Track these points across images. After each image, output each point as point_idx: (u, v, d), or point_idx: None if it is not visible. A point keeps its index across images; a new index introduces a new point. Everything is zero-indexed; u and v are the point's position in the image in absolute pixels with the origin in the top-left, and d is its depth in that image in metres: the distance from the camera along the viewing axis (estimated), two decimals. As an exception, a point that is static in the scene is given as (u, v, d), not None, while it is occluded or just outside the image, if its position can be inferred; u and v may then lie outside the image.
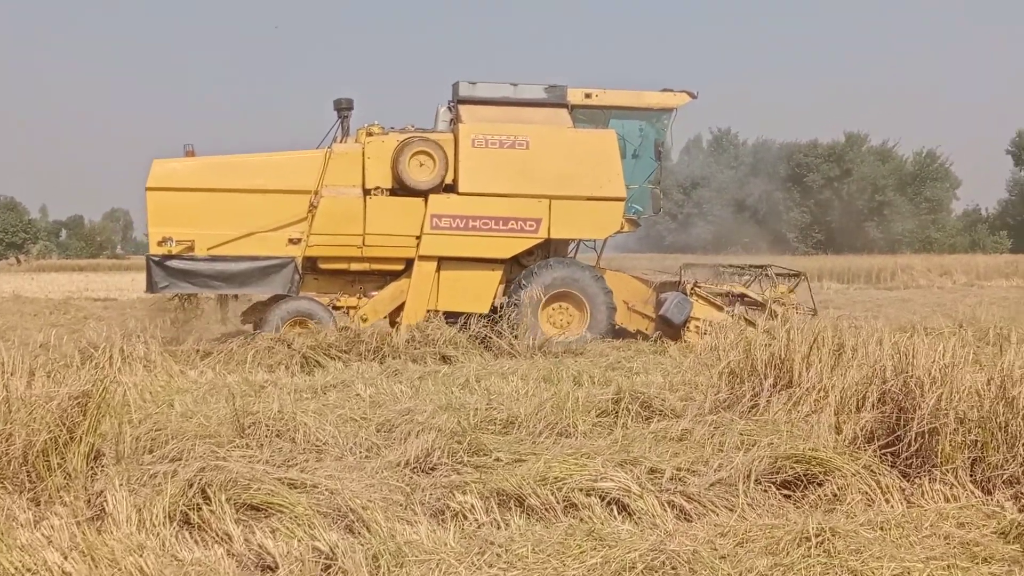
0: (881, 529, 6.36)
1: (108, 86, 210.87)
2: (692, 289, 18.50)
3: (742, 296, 18.84)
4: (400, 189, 17.87)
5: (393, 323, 18.13)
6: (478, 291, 18.17)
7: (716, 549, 6.00)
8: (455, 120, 18.45)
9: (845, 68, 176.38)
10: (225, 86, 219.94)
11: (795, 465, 7.30)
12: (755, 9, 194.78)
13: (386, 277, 18.33)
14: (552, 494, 6.82)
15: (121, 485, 6.77)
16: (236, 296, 18.59)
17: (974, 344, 9.07)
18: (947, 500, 7.02)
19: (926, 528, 6.38)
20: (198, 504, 6.50)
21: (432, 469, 7.84)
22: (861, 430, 7.88)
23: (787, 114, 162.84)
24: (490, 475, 7.28)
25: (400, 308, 18.15)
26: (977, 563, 5.84)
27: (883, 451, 7.56)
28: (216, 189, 17.47)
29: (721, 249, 65.76)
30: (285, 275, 17.51)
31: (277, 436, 8.66)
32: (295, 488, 6.91)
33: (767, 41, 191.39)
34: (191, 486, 6.63)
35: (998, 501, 6.94)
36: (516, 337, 16.69)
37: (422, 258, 17.99)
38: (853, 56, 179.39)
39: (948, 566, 5.71)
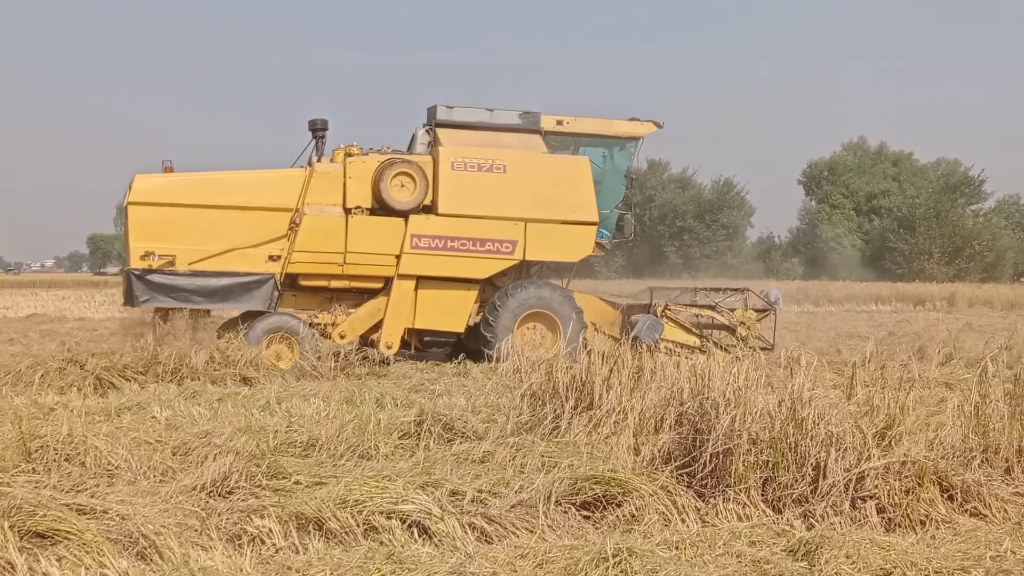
0: (676, 548, 6.47)
1: None
2: (663, 311, 18.74)
3: (711, 319, 19.29)
4: (380, 209, 18.17)
5: (368, 341, 18.37)
6: (454, 310, 18.65)
7: (516, 571, 6.01)
8: (434, 143, 18.74)
9: (647, 99, 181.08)
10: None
11: (595, 486, 7.38)
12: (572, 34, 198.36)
13: (363, 295, 18.54)
14: (352, 517, 6.73)
15: None
16: (208, 312, 18.39)
17: (766, 367, 9.33)
18: (740, 519, 7.20)
19: (719, 547, 6.52)
20: (-22, 532, 6.18)
21: (229, 493, 7.65)
22: (659, 451, 8.03)
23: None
24: (289, 498, 7.16)
25: (377, 326, 18.39)
26: (767, 580, 5.99)
27: (680, 472, 7.70)
28: (198, 205, 17.59)
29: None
30: (265, 291, 17.66)
31: (66, 460, 8.31)
32: (84, 514, 6.64)
33: (575, 66, 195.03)
34: (-29, 513, 6.30)
35: (788, 519, 7.14)
36: (319, 358, 16.59)
37: (401, 276, 18.32)
38: (655, 87, 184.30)
39: (740, 584, 5.84)
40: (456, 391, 13.52)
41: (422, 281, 18.40)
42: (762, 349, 16.60)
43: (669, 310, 19.02)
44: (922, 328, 25.70)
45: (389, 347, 18.19)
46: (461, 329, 18.71)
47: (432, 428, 9.75)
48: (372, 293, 18.49)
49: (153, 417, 10.84)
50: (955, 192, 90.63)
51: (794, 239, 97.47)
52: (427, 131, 19.06)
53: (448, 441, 9.53)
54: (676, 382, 8.70)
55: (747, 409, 7.63)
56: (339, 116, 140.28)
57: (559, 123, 19.39)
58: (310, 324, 17.94)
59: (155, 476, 8.21)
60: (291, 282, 18.21)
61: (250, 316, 17.72)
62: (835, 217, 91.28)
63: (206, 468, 8.01)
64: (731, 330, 19.13)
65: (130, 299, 17.36)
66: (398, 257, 18.22)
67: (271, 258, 17.76)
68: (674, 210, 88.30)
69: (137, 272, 17.19)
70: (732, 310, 19.43)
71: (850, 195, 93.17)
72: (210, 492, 7.63)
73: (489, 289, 18.99)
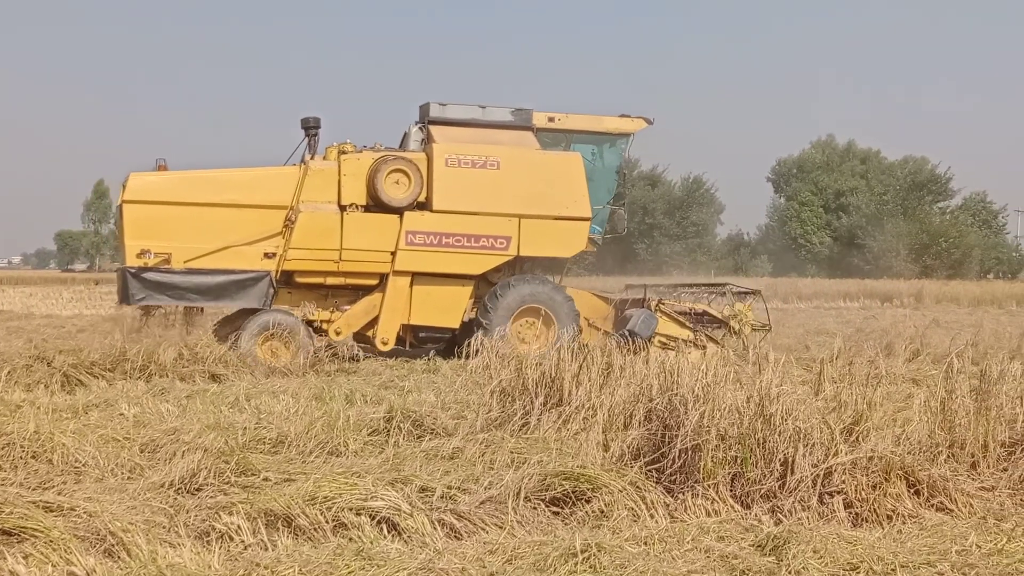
0: (645, 544, 6.49)
1: None
2: (657, 306, 18.78)
3: (703, 314, 19.30)
4: (375, 206, 18.21)
5: (363, 337, 18.49)
6: (450, 306, 18.68)
7: (485, 567, 6.02)
8: (427, 140, 18.79)
9: (618, 98, 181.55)
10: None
11: (564, 482, 7.39)
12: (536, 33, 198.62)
13: (358, 292, 18.57)
14: (321, 514, 6.72)
15: None
16: (202, 310, 18.43)
17: (735, 363, 9.37)
18: (708, 514, 7.23)
19: (688, 542, 6.54)
20: (-57, 530, 6.14)
21: (198, 490, 7.63)
22: (628, 447, 8.05)
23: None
24: (258, 495, 7.13)
25: (372, 322, 18.44)
26: (735, 575, 6.02)
27: (649, 467, 7.73)
28: (193, 203, 17.60)
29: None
30: (260, 289, 17.68)
31: (33, 457, 8.27)
32: (51, 511, 6.61)
33: (544, 62, 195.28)
34: (-64, 511, 6.26)
35: (756, 515, 7.18)
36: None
37: (396, 273, 18.35)
38: (625, 87, 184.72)
39: (708, 579, 5.87)
40: (426, 388, 13.52)
41: (417, 277, 18.43)
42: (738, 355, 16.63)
43: (663, 304, 19.07)
44: (889, 324, 25.85)
45: (385, 343, 18.27)
46: (456, 325, 18.71)
47: (402, 425, 9.75)
48: (368, 290, 18.51)
49: (121, 414, 10.79)
50: (922, 190, 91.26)
51: (763, 236, 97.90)
52: (420, 128, 19.11)
53: (418, 438, 9.53)
54: (645, 378, 8.72)
55: (716, 405, 7.65)
56: (330, 115, 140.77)
57: (551, 120, 19.49)
58: (306, 321, 17.95)
59: (123, 473, 8.18)
60: (286, 279, 18.20)
61: (246, 314, 17.72)
62: (804, 214, 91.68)
63: (174, 465, 7.99)
64: (723, 323, 19.17)
65: (126, 297, 17.30)
66: (393, 254, 18.24)
67: (266, 255, 17.74)
68: (644, 207, 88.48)
69: (133, 270, 17.16)
70: (732, 305, 19.47)
71: (819, 192, 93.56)
72: (178, 489, 7.62)
73: (484, 285, 19.04)
